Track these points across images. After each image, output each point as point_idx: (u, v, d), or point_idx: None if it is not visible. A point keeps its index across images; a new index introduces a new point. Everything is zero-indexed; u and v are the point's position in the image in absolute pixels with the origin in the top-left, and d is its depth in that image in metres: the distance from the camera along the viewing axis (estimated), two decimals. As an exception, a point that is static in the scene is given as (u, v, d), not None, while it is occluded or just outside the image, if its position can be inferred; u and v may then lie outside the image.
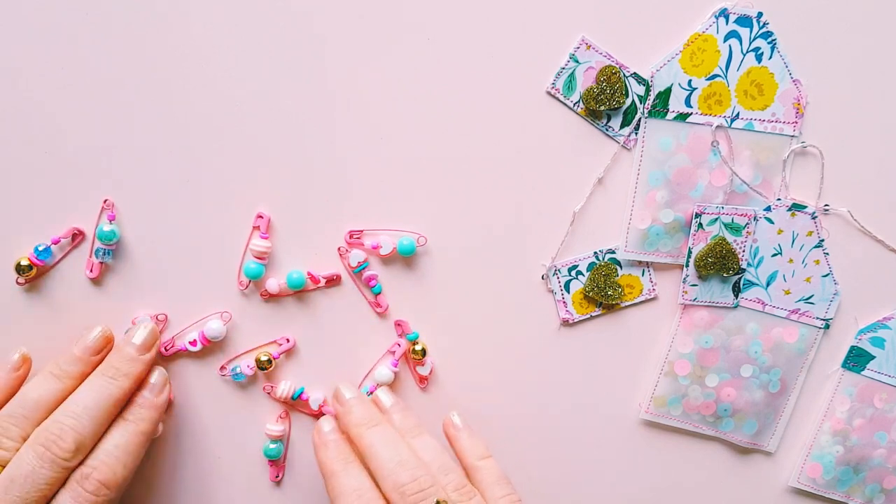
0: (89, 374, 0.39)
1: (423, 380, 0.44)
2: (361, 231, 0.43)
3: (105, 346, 0.40)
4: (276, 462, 0.44)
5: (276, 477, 0.45)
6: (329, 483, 0.38)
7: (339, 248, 0.43)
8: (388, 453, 0.38)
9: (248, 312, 0.43)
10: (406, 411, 0.41)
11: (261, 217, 0.42)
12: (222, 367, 0.43)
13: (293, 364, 0.44)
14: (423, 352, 0.43)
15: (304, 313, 0.43)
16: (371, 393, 0.43)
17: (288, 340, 0.43)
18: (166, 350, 0.42)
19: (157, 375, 0.40)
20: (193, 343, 0.42)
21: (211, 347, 0.43)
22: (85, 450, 0.36)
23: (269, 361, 0.42)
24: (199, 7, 0.40)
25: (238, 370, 0.43)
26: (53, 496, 0.36)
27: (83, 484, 0.36)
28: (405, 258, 0.43)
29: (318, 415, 0.44)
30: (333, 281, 0.43)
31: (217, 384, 0.44)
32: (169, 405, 0.43)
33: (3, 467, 0.35)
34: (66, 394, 0.38)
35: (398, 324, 0.44)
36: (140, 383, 0.40)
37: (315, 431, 0.41)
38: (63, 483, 0.36)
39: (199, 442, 0.44)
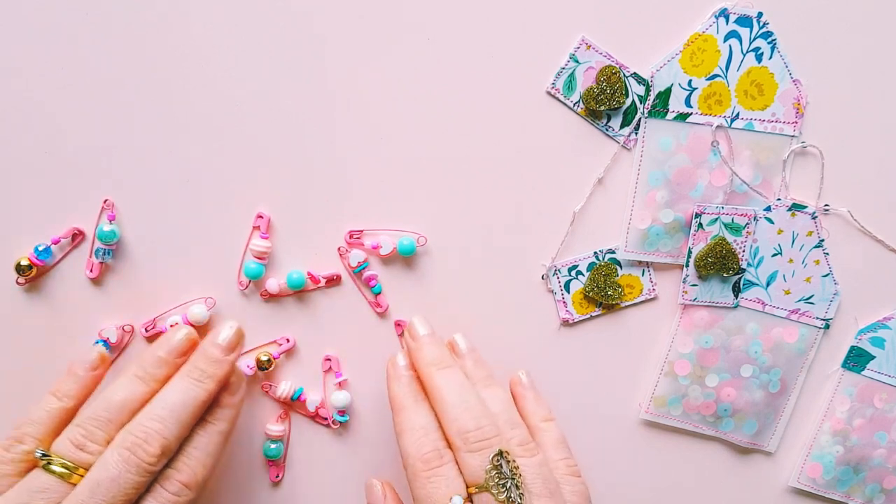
0: (172, 375, 0.38)
1: None
2: (361, 231, 0.43)
3: (190, 348, 0.39)
4: (276, 462, 0.44)
5: (277, 477, 0.45)
6: (397, 417, 0.38)
7: (339, 248, 0.43)
8: (455, 397, 0.37)
9: (248, 312, 0.43)
10: (480, 360, 0.41)
11: (261, 217, 0.42)
12: None
13: (293, 364, 0.44)
14: None
15: (304, 313, 0.43)
16: None
17: (288, 340, 0.43)
18: (147, 331, 0.42)
19: (234, 375, 0.40)
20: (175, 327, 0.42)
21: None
22: (170, 453, 0.36)
23: (269, 361, 0.42)
24: (199, 7, 0.40)
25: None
26: (138, 500, 0.35)
27: (165, 485, 0.35)
28: (405, 258, 0.43)
29: (313, 416, 0.44)
30: (333, 281, 0.43)
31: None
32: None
33: (87, 470, 0.35)
34: (150, 396, 0.37)
35: (398, 324, 0.44)
36: (224, 383, 0.39)
37: (389, 363, 0.40)
38: (148, 487, 0.35)
39: None
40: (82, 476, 0.34)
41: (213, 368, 0.38)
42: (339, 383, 0.44)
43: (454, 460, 0.36)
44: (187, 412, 0.36)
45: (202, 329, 0.42)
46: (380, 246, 0.42)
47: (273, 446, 0.43)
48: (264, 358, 0.42)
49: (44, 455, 0.35)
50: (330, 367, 0.44)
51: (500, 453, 0.36)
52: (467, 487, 0.36)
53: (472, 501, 0.36)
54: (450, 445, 0.37)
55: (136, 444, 0.35)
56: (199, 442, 0.37)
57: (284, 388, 0.43)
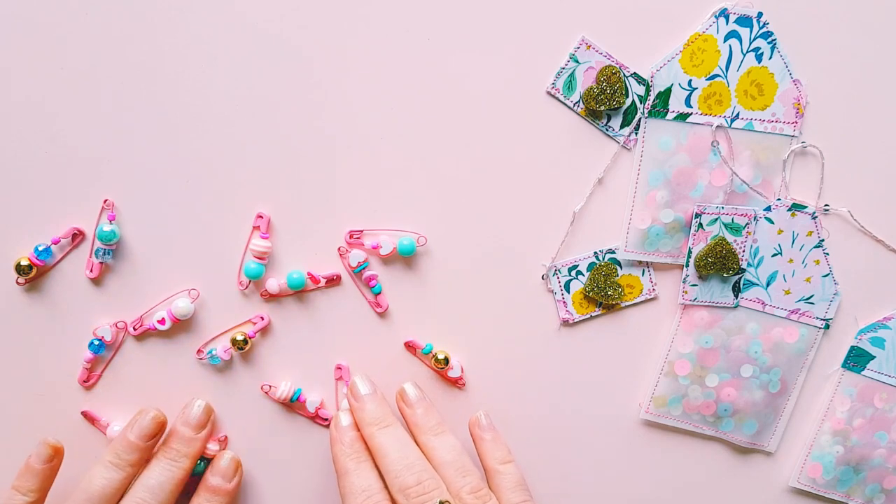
0: (146, 458, 0.40)
1: (458, 382, 0.44)
2: (361, 231, 0.43)
3: (159, 431, 0.40)
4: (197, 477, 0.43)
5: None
6: (341, 481, 0.39)
7: (339, 248, 0.43)
8: (395, 455, 0.38)
9: (248, 312, 0.43)
10: (430, 408, 0.42)
11: (261, 217, 0.42)
12: (199, 351, 0.43)
13: (294, 364, 0.44)
14: (446, 360, 0.43)
15: (305, 313, 0.43)
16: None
17: (262, 318, 0.43)
18: (135, 329, 0.42)
19: (227, 460, 0.41)
20: (162, 322, 0.42)
21: (198, 340, 0.43)
22: None
23: (245, 341, 0.42)
24: (200, 7, 0.40)
25: (214, 353, 0.42)
26: None
27: None
28: (405, 258, 0.43)
29: (313, 417, 0.44)
30: (333, 281, 0.43)
31: (185, 374, 0.43)
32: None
33: None
34: (127, 481, 0.39)
35: (408, 345, 0.44)
36: (198, 457, 0.41)
37: (332, 424, 0.41)
38: None
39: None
40: None
41: (187, 448, 0.40)
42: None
43: None
44: (166, 492, 0.39)
45: (187, 323, 0.42)
46: (380, 246, 0.42)
47: (200, 462, 0.43)
48: (239, 338, 0.42)
49: None
50: (341, 376, 0.44)
51: (441, 503, 0.36)
52: None
53: None
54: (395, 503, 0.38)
55: None
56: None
57: (284, 388, 0.43)
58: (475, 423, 0.43)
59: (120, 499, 0.39)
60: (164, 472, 0.39)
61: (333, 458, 0.40)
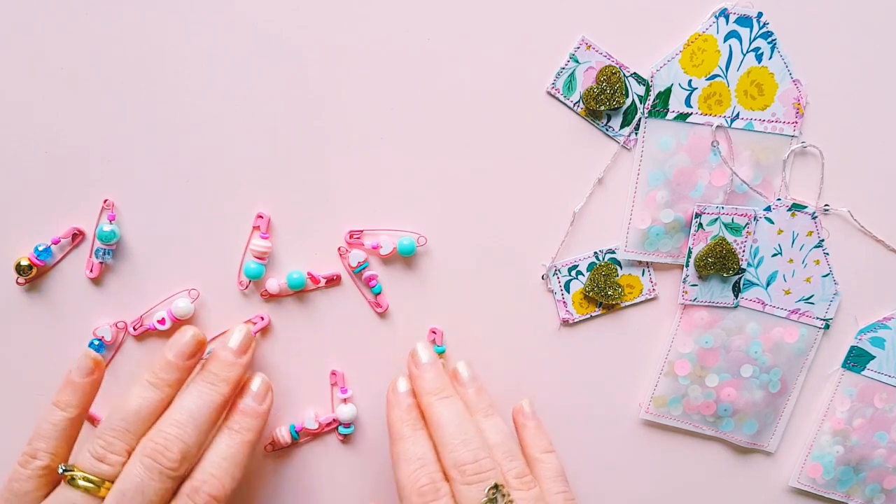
0: (185, 379, 0.39)
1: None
2: (361, 231, 0.43)
3: (199, 350, 0.39)
4: None
5: None
6: (395, 446, 0.38)
7: (339, 248, 0.43)
8: (453, 428, 0.37)
9: (248, 312, 0.43)
10: (482, 390, 0.41)
11: (261, 217, 0.42)
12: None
13: (293, 364, 0.44)
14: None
15: (305, 313, 0.43)
16: None
17: (263, 318, 0.43)
18: (135, 329, 0.42)
19: (259, 383, 0.40)
20: (162, 321, 0.42)
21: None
22: (191, 458, 0.36)
23: None
24: (200, 8, 0.40)
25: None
26: None
27: (194, 498, 0.36)
28: (405, 258, 0.43)
29: (318, 433, 0.43)
30: (333, 281, 0.43)
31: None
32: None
33: (112, 482, 0.35)
34: (165, 402, 0.38)
35: (433, 331, 0.44)
36: (239, 387, 0.39)
37: (390, 389, 0.41)
38: (172, 493, 0.36)
39: None
40: (108, 489, 0.35)
41: (226, 372, 0.38)
42: (345, 399, 0.43)
43: (450, 493, 0.37)
44: (203, 416, 0.37)
45: (188, 321, 0.42)
46: (380, 246, 0.42)
47: None
48: None
49: (66, 469, 0.35)
50: (336, 382, 0.44)
51: (496, 486, 0.36)
52: None
53: None
54: (447, 477, 0.37)
55: (156, 450, 0.35)
56: (226, 452, 0.37)
57: (282, 434, 0.43)
58: (519, 411, 0.42)
59: (156, 420, 0.37)
60: (203, 395, 0.37)
61: (388, 421, 0.39)
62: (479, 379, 0.42)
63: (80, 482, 0.35)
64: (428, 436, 0.39)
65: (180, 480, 0.36)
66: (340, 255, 0.43)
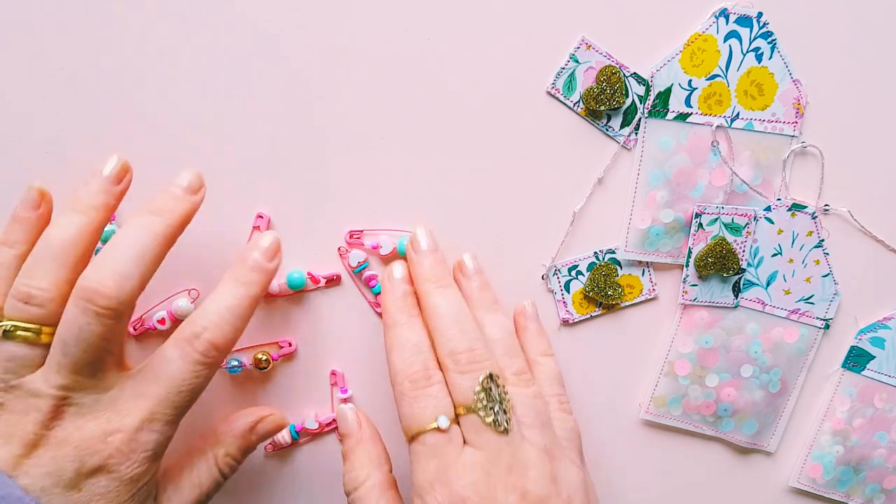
0: (113, 206, 0.35)
1: None
2: (361, 231, 0.43)
3: (125, 175, 0.36)
4: None
5: None
6: (388, 332, 0.37)
7: (339, 248, 0.43)
8: (450, 317, 0.36)
9: (248, 312, 0.43)
10: (486, 284, 0.40)
11: (261, 217, 0.42)
12: None
13: (293, 365, 0.44)
14: None
15: (305, 313, 0.43)
16: None
17: (290, 344, 0.43)
18: (135, 329, 0.42)
19: (269, 239, 0.37)
20: (162, 322, 0.42)
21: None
22: (134, 294, 0.33)
23: (268, 361, 0.42)
24: (200, 8, 0.40)
25: (236, 363, 0.42)
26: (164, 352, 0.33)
27: (193, 343, 0.33)
28: (405, 258, 0.43)
29: (319, 433, 0.43)
30: (333, 281, 0.43)
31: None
32: None
33: (50, 326, 0.32)
34: (94, 227, 0.34)
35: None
36: (187, 223, 0.36)
37: (385, 274, 0.39)
38: (126, 334, 0.34)
39: None
40: (50, 335, 0.33)
41: (174, 204, 0.35)
42: (345, 399, 0.43)
43: (443, 381, 0.36)
44: (147, 248, 0.33)
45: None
46: (380, 246, 0.42)
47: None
48: (262, 357, 0.42)
49: None
50: (336, 382, 0.44)
51: (491, 376, 0.35)
52: (455, 408, 0.35)
53: (458, 423, 0.35)
54: (441, 366, 0.36)
55: (89, 289, 0.32)
56: (231, 303, 0.35)
57: (281, 433, 0.43)
58: (521, 312, 0.41)
59: (88, 250, 0.34)
60: (146, 227, 0.34)
61: (383, 306, 0.38)
62: (483, 273, 0.40)
63: (18, 332, 0.32)
64: (423, 324, 0.37)
65: (128, 319, 0.33)
66: (340, 255, 0.43)
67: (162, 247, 0.34)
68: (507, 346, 0.38)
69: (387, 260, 0.43)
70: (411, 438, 0.35)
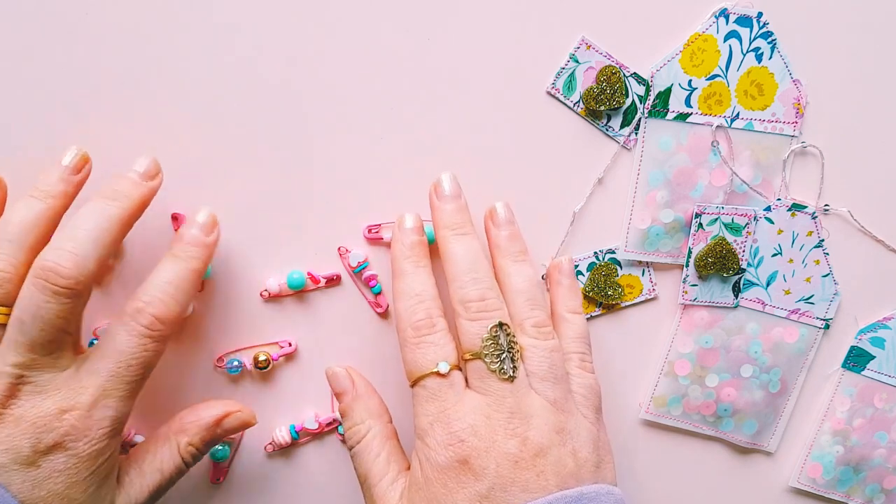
0: (72, 194, 0.36)
1: None
2: (380, 225, 0.42)
3: (84, 165, 0.37)
4: (220, 464, 0.44)
5: (217, 479, 0.44)
6: (396, 281, 0.38)
7: (339, 249, 0.43)
8: (465, 265, 0.37)
9: (248, 312, 0.43)
10: (516, 234, 0.40)
11: (176, 219, 0.41)
12: (220, 359, 0.43)
13: (293, 365, 0.44)
14: None
15: (305, 314, 0.43)
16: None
17: (290, 344, 0.43)
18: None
19: (204, 215, 0.38)
20: None
21: (202, 340, 0.43)
22: (90, 275, 0.33)
23: (267, 361, 0.42)
24: (200, 6, 0.40)
25: (236, 363, 0.42)
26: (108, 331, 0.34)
27: (136, 318, 0.34)
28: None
29: (319, 433, 0.43)
30: (333, 281, 0.43)
31: (185, 374, 0.43)
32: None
33: (6, 307, 0.33)
34: (52, 213, 0.35)
35: None
36: (143, 209, 0.36)
37: (396, 225, 0.39)
38: (80, 311, 0.34)
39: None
40: (7, 315, 0.33)
41: (131, 189, 0.36)
42: None
43: (447, 329, 0.37)
44: (102, 230, 0.34)
45: (185, 320, 0.42)
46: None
47: (220, 448, 0.43)
48: (262, 357, 0.42)
49: None
50: None
51: (500, 325, 0.36)
52: (462, 354, 0.36)
53: (464, 369, 0.36)
54: (454, 313, 0.37)
55: (47, 268, 0.32)
56: (170, 276, 0.35)
57: (281, 434, 0.43)
58: (556, 267, 0.41)
59: (45, 234, 0.35)
60: (102, 210, 0.34)
61: (392, 257, 0.38)
62: (515, 223, 0.40)
63: None
64: (431, 273, 0.38)
65: (84, 300, 0.34)
66: (340, 255, 0.43)
67: (118, 230, 0.35)
68: (530, 297, 0.38)
69: (388, 260, 0.43)
70: (413, 383, 0.36)
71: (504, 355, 0.35)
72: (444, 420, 0.35)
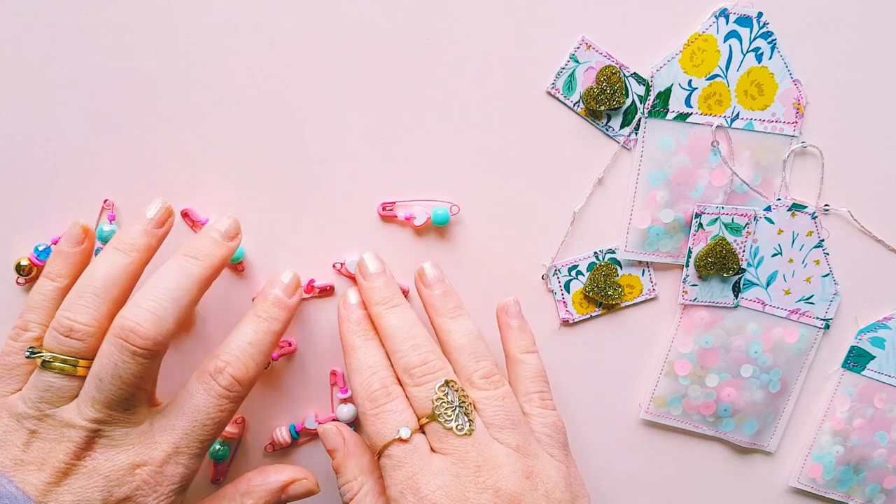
0: (155, 247, 0.37)
1: None
2: (394, 203, 0.42)
3: (167, 218, 0.37)
4: (220, 464, 0.44)
5: (217, 480, 0.44)
6: (347, 358, 0.38)
7: (333, 265, 0.43)
8: (402, 335, 0.37)
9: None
10: (449, 291, 0.40)
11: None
12: None
13: (293, 365, 0.44)
14: None
15: (305, 314, 0.43)
16: None
17: (290, 344, 0.43)
18: None
19: (289, 276, 0.39)
20: None
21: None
22: (169, 335, 0.34)
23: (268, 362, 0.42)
24: (201, 6, 0.40)
25: None
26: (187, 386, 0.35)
27: (217, 378, 0.35)
28: (439, 228, 0.43)
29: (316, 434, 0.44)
30: (326, 291, 0.43)
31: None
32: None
33: (88, 359, 0.34)
34: (135, 267, 0.36)
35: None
36: (222, 268, 0.37)
37: (340, 301, 0.40)
38: (156, 369, 0.35)
39: None
40: (86, 368, 0.34)
41: (211, 248, 0.36)
42: (345, 399, 0.43)
43: (403, 396, 0.37)
44: (183, 290, 0.34)
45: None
46: (413, 217, 0.42)
47: (220, 448, 0.43)
48: None
49: (32, 352, 0.34)
50: (336, 382, 0.44)
51: (447, 382, 0.36)
52: (418, 420, 0.36)
53: (424, 433, 0.36)
54: (400, 382, 0.37)
55: (127, 328, 0.33)
56: (251, 338, 0.36)
57: (281, 434, 0.43)
58: (503, 309, 0.41)
59: (127, 288, 0.35)
60: (183, 268, 0.35)
61: (341, 335, 0.39)
62: (445, 280, 0.40)
63: (55, 364, 0.33)
64: (380, 345, 0.38)
65: (161, 358, 0.34)
66: (338, 270, 0.43)
67: (198, 289, 0.35)
68: (474, 350, 0.38)
69: (421, 231, 0.43)
70: (379, 454, 0.36)
71: (457, 411, 0.36)
72: (413, 487, 0.34)
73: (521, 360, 0.40)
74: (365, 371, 0.37)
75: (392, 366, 0.38)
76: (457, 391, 0.36)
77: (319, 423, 0.43)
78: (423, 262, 0.41)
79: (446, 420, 0.35)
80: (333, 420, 0.44)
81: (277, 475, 0.38)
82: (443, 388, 0.36)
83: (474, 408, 0.37)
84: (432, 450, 0.36)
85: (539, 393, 0.39)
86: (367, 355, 0.38)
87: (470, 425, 0.36)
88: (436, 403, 0.36)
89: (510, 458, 0.36)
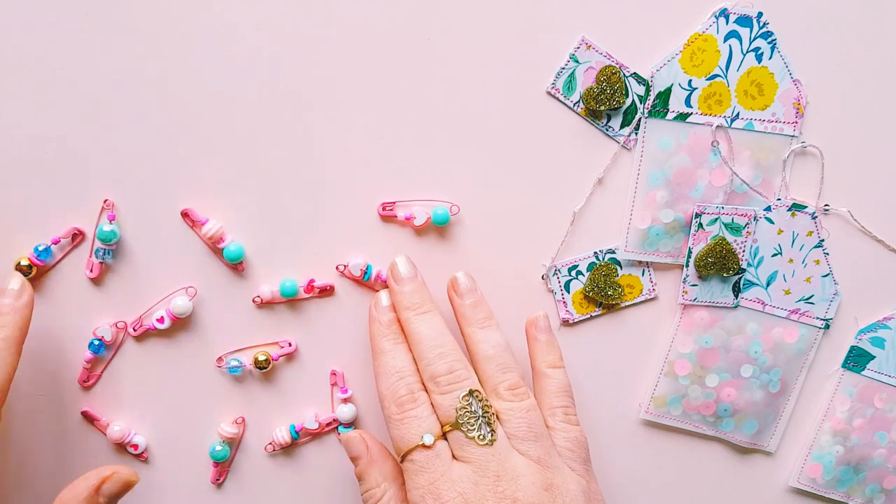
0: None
1: None
2: (394, 203, 0.42)
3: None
4: (221, 464, 0.44)
5: (217, 480, 0.44)
6: (375, 361, 0.39)
7: (336, 267, 0.43)
8: (430, 342, 0.38)
9: (247, 308, 0.43)
10: (480, 301, 0.41)
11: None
12: (220, 359, 0.43)
13: (293, 365, 0.44)
14: None
15: (305, 313, 0.43)
16: None
17: (290, 344, 0.43)
18: (135, 330, 0.42)
19: (14, 281, 0.39)
20: (161, 320, 0.41)
21: (202, 340, 0.43)
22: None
23: (267, 361, 0.42)
24: (201, 6, 0.40)
25: (236, 363, 0.42)
26: None
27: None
28: (439, 228, 0.43)
29: (319, 433, 0.43)
30: (327, 291, 0.43)
31: (185, 375, 0.43)
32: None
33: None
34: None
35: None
36: None
37: (372, 303, 0.40)
38: None
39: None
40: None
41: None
42: (345, 399, 0.43)
43: (429, 402, 0.37)
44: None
45: (186, 321, 0.42)
46: (413, 217, 0.42)
47: (220, 448, 0.43)
48: (262, 357, 0.42)
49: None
50: (336, 382, 0.44)
51: (471, 392, 0.37)
52: (442, 427, 0.37)
53: (446, 440, 0.37)
54: (426, 389, 0.38)
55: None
56: None
57: (281, 434, 0.43)
58: (532, 323, 0.42)
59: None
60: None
61: (371, 336, 0.40)
62: (477, 290, 0.41)
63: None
64: (408, 350, 0.39)
65: None
66: (341, 272, 0.43)
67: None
68: (501, 361, 0.39)
69: (421, 231, 0.43)
70: (402, 458, 0.37)
71: (479, 421, 0.36)
72: (434, 492, 0.35)
73: (547, 374, 0.40)
74: (392, 375, 0.38)
75: (417, 372, 0.38)
76: (481, 401, 0.37)
77: (318, 423, 0.43)
78: (456, 272, 0.41)
79: (469, 429, 0.36)
80: (334, 421, 0.44)
81: (85, 482, 0.38)
82: (467, 398, 0.37)
83: (497, 418, 0.37)
84: (454, 457, 0.36)
85: (563, 408, 0.40)
86: (396, 359, 0.38)
87: (492, 435, 0.36)
88: (459, 412, 0.36)
89: (530, 469, 0.36)
